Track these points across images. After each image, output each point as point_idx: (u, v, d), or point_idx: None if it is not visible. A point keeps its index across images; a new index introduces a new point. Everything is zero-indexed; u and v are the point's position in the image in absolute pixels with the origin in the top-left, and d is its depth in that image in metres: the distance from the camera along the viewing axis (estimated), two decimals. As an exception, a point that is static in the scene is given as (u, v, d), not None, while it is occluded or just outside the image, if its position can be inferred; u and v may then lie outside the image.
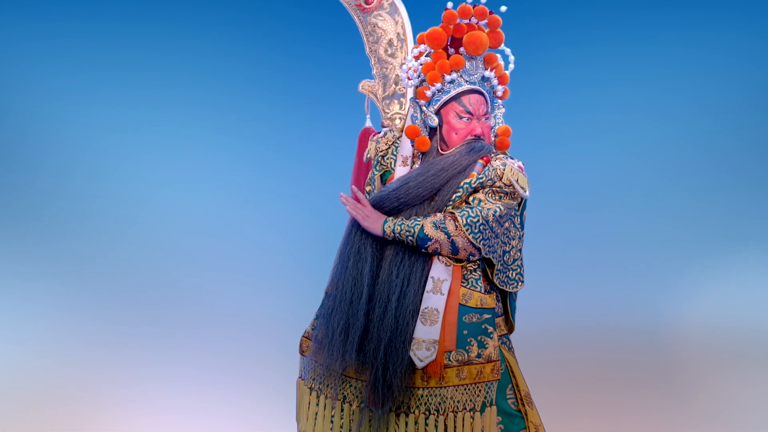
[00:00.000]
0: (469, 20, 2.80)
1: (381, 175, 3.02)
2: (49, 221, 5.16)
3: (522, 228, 2.91)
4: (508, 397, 2.89)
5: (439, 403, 2.76)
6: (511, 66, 2.92)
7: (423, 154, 2.91)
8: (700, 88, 5.24)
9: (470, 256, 2.79)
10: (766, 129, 5.28)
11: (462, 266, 2.84)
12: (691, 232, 5.31)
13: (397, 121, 3.22)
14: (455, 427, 2.75)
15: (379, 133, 3.07)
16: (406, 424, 2.76)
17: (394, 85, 3.25)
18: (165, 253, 5.25)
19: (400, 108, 3.23)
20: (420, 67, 2.86)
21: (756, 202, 5.28)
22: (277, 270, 5.18)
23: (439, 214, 2.78)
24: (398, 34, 3.24)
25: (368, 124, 3.24)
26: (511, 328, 3.00)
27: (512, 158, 2.88)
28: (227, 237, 5.27)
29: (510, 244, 2.86)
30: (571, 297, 5.29)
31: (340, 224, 3.07)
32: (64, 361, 5.05)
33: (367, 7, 3.23)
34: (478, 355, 2.77)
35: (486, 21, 2.82)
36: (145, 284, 5.21)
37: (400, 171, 2.92)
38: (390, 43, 3.24)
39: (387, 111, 3.25)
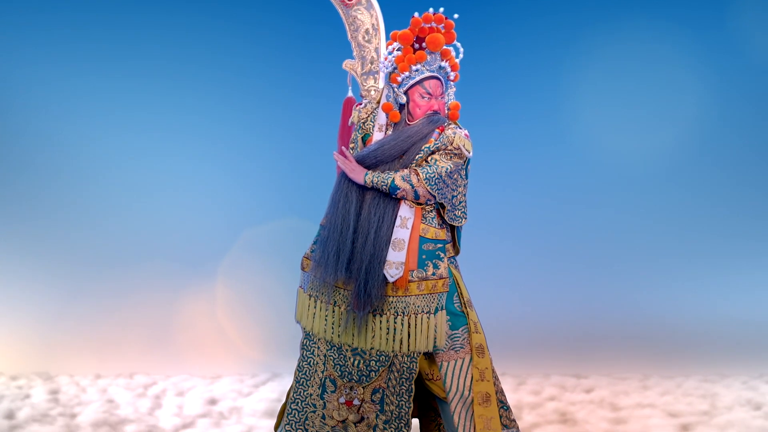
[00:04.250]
0: (430, 24, 3.63)
1: (362, 137, 3.79)
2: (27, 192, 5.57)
3: (466, 178, 3.72)
4: (454, 302, 3.67)
5: (404, 308, 3.56)
6: (461, 56, 3.72)
7: (395, 123, 3.72)
8: (704, 89, 5.48)
9: (428, 201, 3.61)
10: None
11: (422, 208, 3.64)
12: (691, 231, 5.66)
13: (373, 92, 4.01)
14: (416, 324, 3.56)
15: (361, 104, 3.86)
16: (380, 322, 3.57)
17: (370, 64, 4.02)
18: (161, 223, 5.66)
19: (375, 82, 4.02)
20: (393, 59, 3.65)
21: (759, 201, 5.59)
22: (281, 208, 5.67)
23: (405, 170, 3.58)
24: (373, 24, 4.01)
25: (350, 94, 4.02)
26: (457, 251, 3.81)
27: (461, 127, 3.69)
28: (239, 185, 5.71)
29: (457, 191, 3.66)
30: (572, 293, 5.68)
31: (327, 176, 3.80)
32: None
33: (349, 3, 4.00)
34: (433, 273, 3.60)
35: (443, 25, 3.64)
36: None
37: (377, 136, 3.72)
38: (367, 31, 4.01)
39: (364, 84, 4.04)
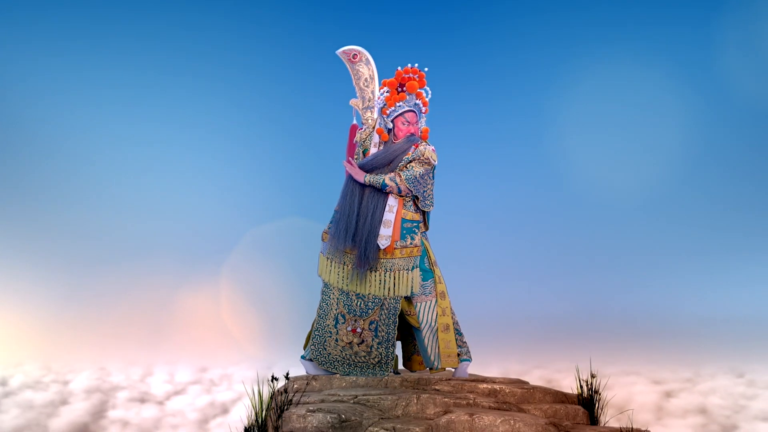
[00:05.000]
0: (409, 75, 5.31)
1: (362, 151, 5.41)
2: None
3: (433, 179, 5.28)
4: (425, 262, 5.24)
5: (391, 266, 5.16)
6: (429, 96, 5.35)
7: (385, 142, 5.35)
8: (707, 90, 6.39)
9: (407, 194, 5.21)
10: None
11: (403, 199, 5.23)
12: (685, 228, 6.56)
13: (370, 121, 5.62)
14: (399, 278, 5.14)
15: (362, 128, 5.50)
16: (375, 276, 5.15)
17: (368, 102, 5.63)
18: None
19: (371, 114, 5.63)
20: (383, 98, 5.31)
21: (760, 201, 6.39)
22: (285, 207, 6.81)
23: (392, 173, 5.19)
24: (370, 74, 5.64)
25: (354, 122, 5.66)
26: (427, 228, 5.35)
27: (429, 144, 5.30)
28: (245, 184, 6.73)
29: (427, 187, 5.25)
30: (569, 289, 6.62)
31: (327, 179, 5.24)
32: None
33: (354, 60, 5.65)
34: (411, 243, 5.20)
35: (417, 75, 5.31)
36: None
37: (373, 150, 5.35)
38: (366, 79, 5.65)
39: (364, 115, 5.65)
